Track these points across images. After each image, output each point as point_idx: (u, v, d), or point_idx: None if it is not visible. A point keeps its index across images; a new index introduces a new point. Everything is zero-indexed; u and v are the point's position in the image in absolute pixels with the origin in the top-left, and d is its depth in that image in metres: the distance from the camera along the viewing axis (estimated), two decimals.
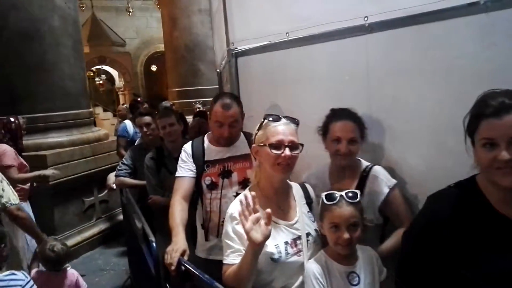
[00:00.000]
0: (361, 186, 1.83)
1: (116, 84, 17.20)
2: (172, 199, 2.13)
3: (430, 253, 1.23)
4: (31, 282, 2.04)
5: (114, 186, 3.70)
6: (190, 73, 9.27)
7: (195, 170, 2.19)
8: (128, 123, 5.14)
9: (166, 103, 6.45)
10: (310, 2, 2.25)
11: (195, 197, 2.23)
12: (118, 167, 3.58)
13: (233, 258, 1.56)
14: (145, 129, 3.59)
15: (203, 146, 2.25)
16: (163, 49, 10.61)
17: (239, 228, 1.55)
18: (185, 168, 2.21)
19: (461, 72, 1.62)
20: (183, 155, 2.26)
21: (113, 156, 5.21)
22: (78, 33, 5.39)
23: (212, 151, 2.22)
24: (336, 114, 1.89)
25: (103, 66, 16.39)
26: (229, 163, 2.18)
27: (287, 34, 2.36)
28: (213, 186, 2.17)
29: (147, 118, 3.62)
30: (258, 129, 1.68)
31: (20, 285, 1.97)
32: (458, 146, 1.59)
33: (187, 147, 2.28)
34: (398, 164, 1.93)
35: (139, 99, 6.13)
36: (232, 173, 2.17)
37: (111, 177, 3.74)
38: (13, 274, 2.01)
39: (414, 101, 1.82)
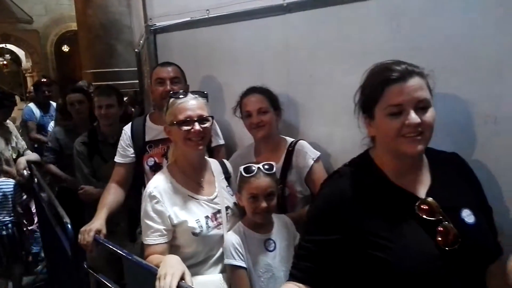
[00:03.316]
0: (288, 160, 1.89)
1: (22, 65, 15.80)
2: (107, 186, 2.06)
3: (333, 236, 1.17)
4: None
5: (25, 172, 3.28)
6: (106, 54, 8.76)
7: (133, 155, 2.12)
8: (32, 105, 4.76)
9: (82, 83, 6.05)
10: None
11: (138, 181, 2.15)
12: (44, 152, 3.24)
13: (153, 238, 1.55)
14: (77, 107, 3.19)
15: (144, 126, 2.16)
16: (76, 28, 9.94)
17: (159, 207, 1.55)
18: (123, 153, 2.13)
19: (371, 53, 1.69)
20: (122, 138, 2.17)
21: None
22: None
23: (154, 130, 2.14)
24: (245, 92, 1.97)
25: (7, 45, 15.00)
26: None
27: (208, 11, 2.35)
28: (157, 167, 2.08)
29: (79, 95, 3.24)
30: (167, 109, 1.67)
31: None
32: None
33: (127, 127, 2.19)
34: (316, 139, 2.01)
35: (44, 80, 5.63)
36: None
37: (22, 161, 3.39)
38: None
39: (330, 80, 1.91)
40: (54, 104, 4.92)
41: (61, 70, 16.09)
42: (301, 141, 1.95)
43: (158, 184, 1.60)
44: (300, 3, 1.94)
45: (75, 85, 5.10)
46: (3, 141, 3.54)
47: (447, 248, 1.10)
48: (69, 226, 1.98)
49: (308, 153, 1.89)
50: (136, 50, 4.28)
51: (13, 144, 3.65)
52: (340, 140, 1.92)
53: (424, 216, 1.13)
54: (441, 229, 1.11)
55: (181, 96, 1.63)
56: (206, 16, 2.36)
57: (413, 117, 1.09)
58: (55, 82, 7.60)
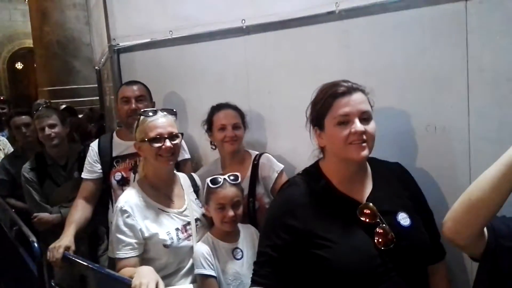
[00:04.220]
0: (254, 173, 1.98)
1: None
2: (74, 202, 2.08)
3: (285, 240, 1.27)
4: None
5: None
6: (63, 71, 8.64)
7: (101, 171, 2.16)
8: None
9: (40, 101, 5.94)
10: (192, 2, 2.34)
11: (105, 196, 2.19)
12: None
13: (125, 251, 1.60)
14: (24, 130, 3.10)
15: (111, 142, 2.21)
16: (30, 45, 9.72)
17: (130, 221, 1.61)
18: (90, 169, 2.17)
19: (323, 71, 1.85)
20: (89, 154, 2.20)
21: None
22: None
23: (121, 146, 2.19)
24: (217, 106, 2.04)
25: None
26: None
27: (171, 32, 2.44)
28: (124, 181, 2.14)
29: (26, 118, 3.13)
30: (137, 126, 1.74)
31: None
32: None
33: (94, 144, 2.23)
34: (278, 153, 2.12)
35: (1, 97, 5.52)
36: None
37: None
38: None
39: (287, 96, 2.04)
40: None
41: (15, 88, 15.54)
42: (265, 154, 2.04)
43: (128, 199, 1.66)
44: (258, 26, 2.06)
45: (18, 108, 4.99)
46: None
47: (382, 248, 1.22)
48: (35, 244, 2.00)
49: (273, 166, 1.98)
50: (96, 67, 4.29)
51: None
52: (301, 152, 2.02)
53: (363, 219, 1.26)
54: (380, 231, 1.24)
55: (151, 114, 1.70)
56: (169, 37, 2.45)
57: (358, 125, 1.23)
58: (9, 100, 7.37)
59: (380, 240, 1.23)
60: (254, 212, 1.93)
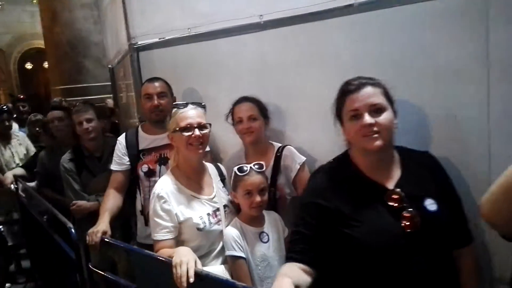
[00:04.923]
0: (277, 164, 2.07)
1: None
2: (106, 192, 2.23)
3: (317, 219, 1.40)
4: None
5: (12, 186, 3.35)
6: (74, 70, 8.76)
7: (129, 163, 2.29)
8: (15, 125, 4.82)
9: (56, 99, 6.10)
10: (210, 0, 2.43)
11: (133, 187, 2.32)
12: (36, 179, 3.26)
13: (162, 234, 1.73)
14: (56, 124, 3.24)
15: (137, 136, 2.34)
16: (38, 45, 9.86)
17: (167, 206, 1.73)
18: (119, 162, 2.30)
19: (341, 64, 1.94)
20: (117, 147, 2.33)
21: None
22: None
23: (147, 140, 2.33)
24: (236, 101, 2.15)
25: None
26: (166, 151, 2.27)
27: (189, 30, 2.53)
28: (150, 173, 2.27)
29: (58, 112, 3.29)
30: (170, 118, 1.87)
31: None
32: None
33: (121, 138, 2.37)
34: (299, 145, 2.20)
35: (21, 96, 5.70)
36: (169, 160, 2.19)
37: (9, 175, 3.44)
38: None
39: (302, 91, 2.13)
40: None
41: (26, 87, 15.78)
42: (288, 146, 2.11)
43: (164, 186, 1.78)
44: (275, 21, 2.14)
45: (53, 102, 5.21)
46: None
47: (409, 231, 1.31)
48: (73, 230, 2.13)
49: (295, 158, 2.07)
50: (109, 66, 4.39)
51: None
52: (319, 144, 2.12)
53: (391, 203, 1.35)
54: (406, 214, 1.33)
55: (182, 106, 1.83)
56: (187, 34, 2.54)
57: (366, 118, 1.33)
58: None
59: (406, 223, 1.32)
60: (275, 201, 2.03)
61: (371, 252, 1.33)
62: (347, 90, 1.40)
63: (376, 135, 1.33)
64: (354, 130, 1.37)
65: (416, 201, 1.35)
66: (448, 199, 1.41)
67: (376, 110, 1.35)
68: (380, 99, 1.36)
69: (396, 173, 1.42)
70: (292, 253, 1.43)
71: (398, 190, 1.38)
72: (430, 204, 1.36)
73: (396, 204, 1.35)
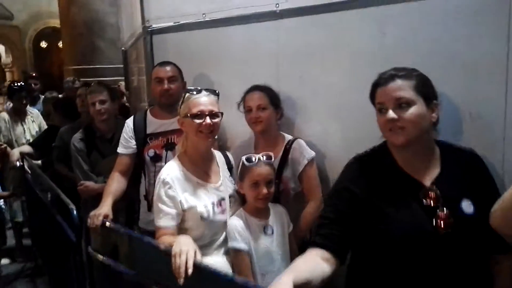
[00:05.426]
0: (285, 157, 2.04)
1: (2, 61, 15.53)
2: (110, 175, 2.21)
3: (347, 207, 1.36)
4: None
5: (17, 163, 3.36)
6: (88, 51, 8.77)
7: (135, 146, 2.27)
8: None
9: (69, 79, 6.14)
10: None
11: (138, 171, 2.30)
12: (52, 152, 3.26)
13: (165, 220, 1.70)
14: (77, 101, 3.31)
15: (145, 120, 2.32)
16: (54, 25, 9.88)
17: (171, 192, 1.70)
18: (126, 145, 2.28)
19: (358, 57, 1.91)
20: (124, 130, 2.32)
21: None
22: None
23: (154, 124, 2.31)
24: (248, 89, 2.12)
25: None
26: (173, 136, 2.25)
27: (204, 15, 2.50)
28: (157, 158, 2.26)
29: (82, 89, 3.30)
30: (182, 103, 1.83)
31: None
32: (354, 120, 1.95)
33: (129, 121, 2.35)
34: (309, 138, 2.16)
35: (33, 74, 5.74)
36: (176, 145, 2.16)
37: (15, 153, 3.46)
38: None
39: (318, 81, 2.09)
40: (42, 97, 5.32)
41: (39, 66, 15.88)
42: (298, 140, 2.08)
43: (170, 171, 1.75)
44: (292, 10, 2.10)
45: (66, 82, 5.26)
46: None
47: (441, 231, 1.27)
48: (75, 211, 2.13)
49: (303, 152, 2.03)
50: (123, 48, 4.37)
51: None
52: (331, 136, 2.09)
53: (426, 201, 1.31)
54: (441, 214, 1.28)
55: (195, 92, 1.79)
56: (202, 20, 2.50)
57: (390, 113, 1.30)
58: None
59: (440, 223, 1.28)
60: (278, 193, 1.99)
61: (400, 248, 1.29)
62: (377, 83, 1.38)
63: (399, 130, 1.30)
64: (380, 123, 1.35)
65: (452, 201, 1.31)
66: (488, 201, 1.30)
67: (402, 104, 1.30)
68: (407, 93, 1.30)
69: (435, 170, 1.37)
70: (316, 237, 1.40)
71: (435, 188, 1.33)
72: (467, 206, 1.31)
73: (432, 203, 1.31)
